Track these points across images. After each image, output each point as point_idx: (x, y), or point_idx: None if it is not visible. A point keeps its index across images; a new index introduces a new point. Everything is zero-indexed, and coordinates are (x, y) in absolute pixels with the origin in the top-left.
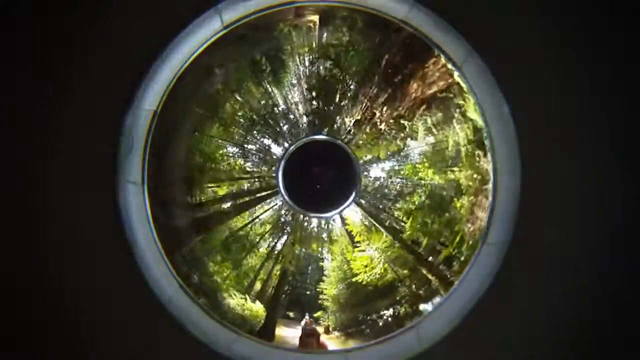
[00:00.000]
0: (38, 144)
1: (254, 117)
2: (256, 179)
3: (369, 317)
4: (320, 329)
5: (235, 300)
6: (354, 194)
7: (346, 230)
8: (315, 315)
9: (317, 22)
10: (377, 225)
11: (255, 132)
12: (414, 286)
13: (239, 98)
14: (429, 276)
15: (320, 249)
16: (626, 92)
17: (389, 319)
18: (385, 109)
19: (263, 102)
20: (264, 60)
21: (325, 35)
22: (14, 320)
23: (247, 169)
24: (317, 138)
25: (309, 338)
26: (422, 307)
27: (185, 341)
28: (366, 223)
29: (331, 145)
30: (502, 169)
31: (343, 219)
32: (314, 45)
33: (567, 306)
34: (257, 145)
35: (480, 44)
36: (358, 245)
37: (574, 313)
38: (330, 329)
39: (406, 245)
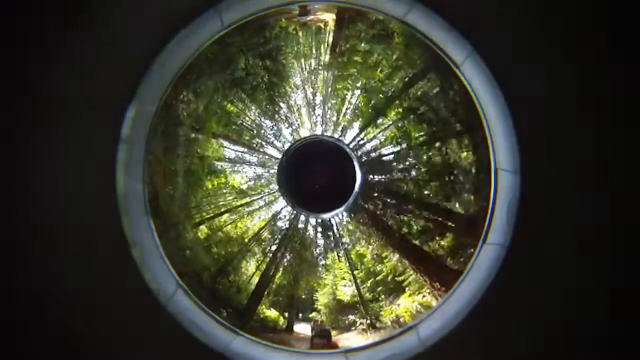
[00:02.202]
0: (38, 144)
1: (253, 121)
2: (255, 186)
3: (345, 320)
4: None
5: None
6: (353, 195)
7: (338, 256)
8: (309, 315)
9: (331, 23)
10: (353, 278)
11: (254, 134)
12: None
13: (236, 106)
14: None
15: (317, 259)
16: (626, 91)
17: (351, 322)
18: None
19: (263, 104)
20: (263, 64)
21: (340, 40)
22: (13, 320)
23: (246, 171)
24: (318, 139)
25: (320, 339)
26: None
27: (185, 341)
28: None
29: (332, 146)
30: (502, 168)
31: (337, 240)
32: (323, 48)
33: (567, 306)
34: (256, 147)
35: (480, 44)
36: (343, 279)
37: (573, 313)
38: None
39: (362, 296)
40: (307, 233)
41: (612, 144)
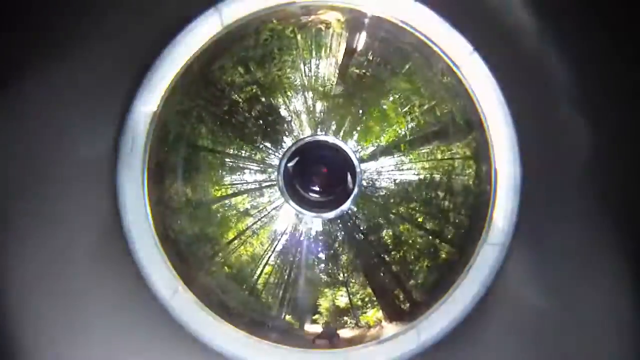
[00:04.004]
0: (37, 144)
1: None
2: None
3: (341, 320)
4: (319, 327)
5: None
6: (353, 194)
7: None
8: (314, 317)
9: (334, 24)
10: (347, 292)
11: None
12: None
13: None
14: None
15: (320, 276)
16: (627, 91)
17: (344, 322)
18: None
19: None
20: (255, 70)
21: (355, 52)
22: (12, 321)
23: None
24: (318, 139)
25: (322, 339)
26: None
27: (184, 341)
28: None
29: (332, 146)
30: (502, 168)
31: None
32: (324, 52)
33: (568, 306)
34: (254, 160)
35: (480, 44)
36: (340, 290)
37: (574, 313)
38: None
39: (352, 304)
40: (311, 250)
41: (612, 144)
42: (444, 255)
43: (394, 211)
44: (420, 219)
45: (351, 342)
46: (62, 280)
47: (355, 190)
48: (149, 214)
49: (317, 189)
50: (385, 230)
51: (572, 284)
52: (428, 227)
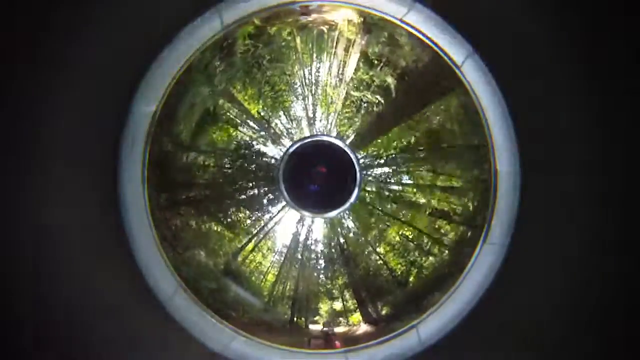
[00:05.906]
0: (37, 144)
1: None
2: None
3: (337, 320)
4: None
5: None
6: (354, 194)
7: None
8: (314, 318)
9: (342, 26)
10: (342, 299)
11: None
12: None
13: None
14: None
15: (320, 284)
16: (626, 91)
17: (339, 321)
18: None
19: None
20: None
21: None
22: (12, 321)
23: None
24: (317, 139)
25: (318, 339)
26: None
27: (184, 341)
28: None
29: (331, 146)
30: (502, 169)
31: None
32: (325, 55)
33: (568, 306)
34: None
35: (480, 44)
36: (337, 297)
37: (574, 313)
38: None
39: (346, 308)
40: (312, 260)
41: (612, 145)
42: (433, 260)
43: (387, 223)
44: (412, 232)
45: (342, 338)
46: (63, 280)
47: (356, 190)
48: (149, 214)
49: (316, 189)
50: (370, 258)
51: (572, 283)
52: (423, 232)
